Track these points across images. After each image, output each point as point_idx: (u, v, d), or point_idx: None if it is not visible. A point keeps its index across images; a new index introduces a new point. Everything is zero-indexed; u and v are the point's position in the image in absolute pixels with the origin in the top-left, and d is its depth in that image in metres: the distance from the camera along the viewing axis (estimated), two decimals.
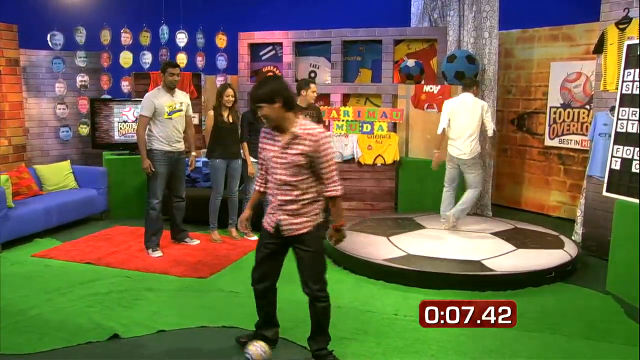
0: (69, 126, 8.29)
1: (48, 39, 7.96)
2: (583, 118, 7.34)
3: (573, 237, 6.44)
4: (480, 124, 6.17)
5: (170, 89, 5.88)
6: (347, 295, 4.84)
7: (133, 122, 7.70)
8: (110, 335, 4.05)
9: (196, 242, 6.31)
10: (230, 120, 6.25)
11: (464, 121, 6.19)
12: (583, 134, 7.28)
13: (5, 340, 3.97)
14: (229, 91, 6.23)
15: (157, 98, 5.81)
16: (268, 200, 3.60)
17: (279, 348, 3.90)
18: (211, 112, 6.25)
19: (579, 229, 6.46)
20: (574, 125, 7.48)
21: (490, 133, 6.19)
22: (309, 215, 3.47)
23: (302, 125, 3.40)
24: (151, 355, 3.83)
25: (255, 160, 6.39)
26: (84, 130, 8.26)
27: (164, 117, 5.81)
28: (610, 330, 4.23)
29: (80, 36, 8.18)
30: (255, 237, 6.49)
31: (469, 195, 6.34)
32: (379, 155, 7.45)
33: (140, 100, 5.94)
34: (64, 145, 8.36)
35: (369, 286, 5.08)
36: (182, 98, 6.02)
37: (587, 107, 7.24)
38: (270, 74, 8.37)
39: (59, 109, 8.19)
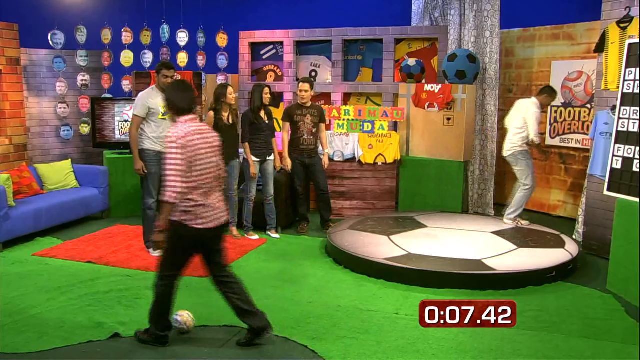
0: (69, 125, 8.28)
1: (49, 38, 7.96)
2: (584, 117, 7.34)
3: (574, 236, 6.44)
4: (522, 126, 6.41)
5: (163, 90, 5.83)
6: (347, 295, 4.84)
7: None
8: (111, 334, 4.05)
9: None
10: (230, 122, 6.23)
11: (510, 120, 6.59)
12: (584, 133, 7.27)
13: (5, 339, 3.97)
14: (231, 89, 6.22)
15: (151, 98, 5.74)
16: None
17: (280, 346, 3.90)
18: (211, 113, 6.23)
19: (580, 228, 6.45)
20: (575, 125, 7.47)
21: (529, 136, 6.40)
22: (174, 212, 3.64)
23: (172, 128, 3.68)
24: (152, 355, 3.83)
25: (258, 160, 6.41)
26: (85, 129, 8.26)
27: (158, 117, 5.76)
28: (610, 329, 4.23)
29: (81, 35, 8.18)
30: (256, 237, 6.50)
31: (516, 196, 6.60)
32: (380, 154, 7.45)
33: None
34: (64, 145, 8.36)
35: (370, 285, 5.07)
36: None
37: (588, 106, 7.24)
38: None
39: (60, 108, 8.19)
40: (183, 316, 4.04)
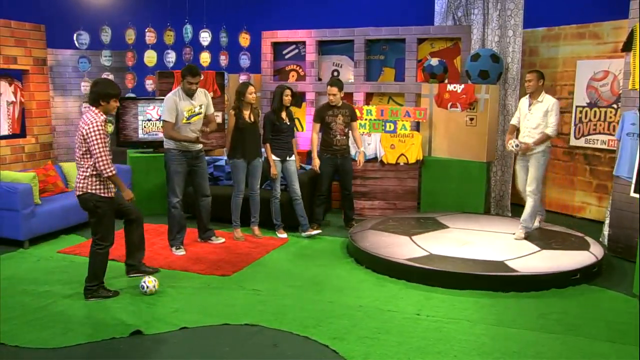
0: None
1: (74, 38, 8.09)
2: (610, 117, 7.23)
3: (601, 239, 6.34)
4: None
5: (188, 94, 5.81)
6: (369, 295, 4.83)
7: (157, 120, 7.76)
8: (133, 331, 4.09)
9: (221, 240, 6.31)
10: (252, 120, 6.26)
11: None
12: (610, 134, 7.17)
13: (29, 334, 4.04)
14: (252, 89, 6.23)
15: (179, 102, 5.73)
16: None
17: (300, 345, 3.91)
18: (231, 112, 6.26)
19: (607, 230, 6.34)
20: (600, 125, 7.36)
21: None
22: None
23: None
24: (173, 352, 3.86)
25: (278, 159, 6.42)
26: (109, 128, 8.34)
27: (182, 122, 5.76)
28: (634, 333, 4.16)
29: (106, 35, 8.28)
30: (285, 235, 6.51)
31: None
32: (402, 154, 7.42)
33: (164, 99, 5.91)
34: None
35: (391, 286, 5.05)
36: (202, 99, 5.91)
37: (615, 106, 7.13)
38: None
39: (85, 107, 8.30)
40: (150, 281, 4.79)
